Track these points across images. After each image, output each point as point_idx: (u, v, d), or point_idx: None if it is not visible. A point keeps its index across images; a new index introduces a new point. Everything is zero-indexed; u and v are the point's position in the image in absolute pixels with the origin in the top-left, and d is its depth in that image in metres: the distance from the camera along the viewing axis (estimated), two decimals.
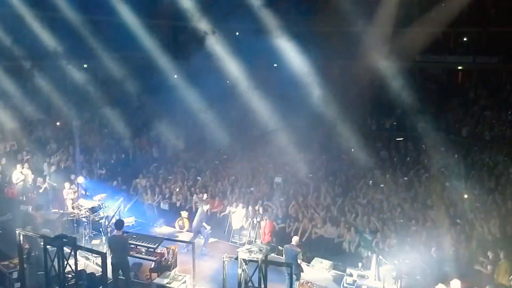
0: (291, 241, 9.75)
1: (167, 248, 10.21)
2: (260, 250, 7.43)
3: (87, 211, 11.35)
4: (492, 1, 25.69)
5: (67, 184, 13.02)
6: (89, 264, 10.27)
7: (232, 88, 21.50)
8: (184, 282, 9.23)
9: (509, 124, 20.14)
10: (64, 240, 7.57)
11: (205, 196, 12.64)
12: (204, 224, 11.88)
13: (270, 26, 21.23)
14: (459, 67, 25.98)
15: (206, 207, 12.11)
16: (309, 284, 9.97)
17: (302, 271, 9.68)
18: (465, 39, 26.96)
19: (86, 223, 11.24)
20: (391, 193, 14.15)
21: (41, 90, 19.79)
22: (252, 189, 14.47)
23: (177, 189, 14.54)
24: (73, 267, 7.71)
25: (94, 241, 11.14)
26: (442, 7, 24.11)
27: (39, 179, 13.74)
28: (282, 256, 9.71)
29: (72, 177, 13.68)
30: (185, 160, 18.06)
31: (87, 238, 11.12)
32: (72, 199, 12.32)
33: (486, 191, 14.04)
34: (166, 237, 11.16)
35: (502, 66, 23.96)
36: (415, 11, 27.31)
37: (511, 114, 20.86)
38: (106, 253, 8.41)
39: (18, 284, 8.87)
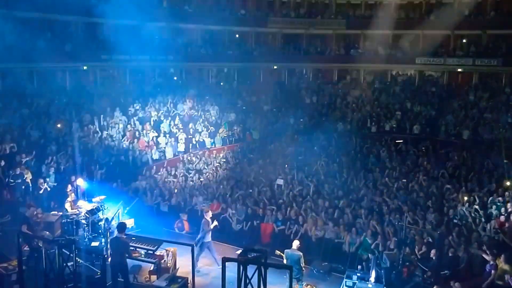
0: (292, 246, 9.67)
1: (166, 250, 10.19)
2: (260, 253, 7.40)
3: (87, 213, 11.33)
4: (492, 4, 25.78)
5: (66, 186, 12.97)
6: (88, 266, 10.23)
7: None
8: (183, 284, 9.19)
9: (509, 126, 20.12)
10: (63, 242, 7.56)
11: (210, 214, 11.24)
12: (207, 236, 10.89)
13: None
14: (459, 70, 26.01)
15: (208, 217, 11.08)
16: (308, 286, 9.94)
17: (303, 275, 9.67)
18: (464, 41, 27.03)
19: (85, 225, 11.19)
20: (391, 195, 14.15)
21: (43, 92, 19.80)
22: (251, 191, 14.44)
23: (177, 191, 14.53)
24: (72, 269, 7.69)
25: (94, 243, 11.09)
26: (442, 10, 24.23)
27: (39, 181, 13.70)
28: (283, 260, 9.65)
29: (72, 178, 13.62)
30: (185, 162, 18.07)
31: (86, 240, 11.08)
32: (71, 201, 12.27)
33: (486, 193, 14.05)
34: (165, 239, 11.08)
35: (502, 68, 23.99)
36: (416, 14, 27.42)
37: (511, 117, 20.86)
38: (105, 255, 8.36)
39: (17, 286, 8.81)
